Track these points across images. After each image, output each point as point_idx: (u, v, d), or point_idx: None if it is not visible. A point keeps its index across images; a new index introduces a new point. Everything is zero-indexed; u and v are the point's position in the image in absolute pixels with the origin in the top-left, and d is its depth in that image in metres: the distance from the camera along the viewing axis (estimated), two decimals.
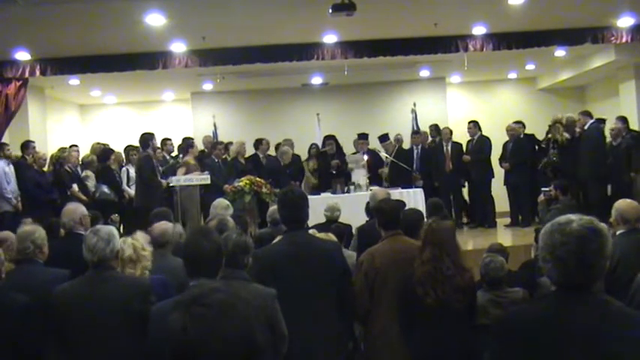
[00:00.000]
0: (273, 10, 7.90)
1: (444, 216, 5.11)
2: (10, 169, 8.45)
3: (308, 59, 9.62)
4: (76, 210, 4.61)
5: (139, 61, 9.43)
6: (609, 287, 3.80)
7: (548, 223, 2.00)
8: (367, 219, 6.04)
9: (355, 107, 13.15)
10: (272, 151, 10.91)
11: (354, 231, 6.12)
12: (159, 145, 9.83)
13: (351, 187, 9.46)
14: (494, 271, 4.19)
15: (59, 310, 3.17)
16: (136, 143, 9.69)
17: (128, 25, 8.07)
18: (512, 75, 13.56)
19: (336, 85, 12.96)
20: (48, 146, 10.46)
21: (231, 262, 3.07)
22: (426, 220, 4.43)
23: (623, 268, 4.10)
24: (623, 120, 9.51)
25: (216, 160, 9.77)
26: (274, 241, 3.99)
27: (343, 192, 9.29)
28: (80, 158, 9.72)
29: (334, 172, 10.41)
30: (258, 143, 10.69)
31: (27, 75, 9.43)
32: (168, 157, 10.20)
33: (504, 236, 9.34)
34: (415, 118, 12.21)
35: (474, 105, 13.61)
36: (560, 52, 10.86)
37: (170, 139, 10.63)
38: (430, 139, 11.24)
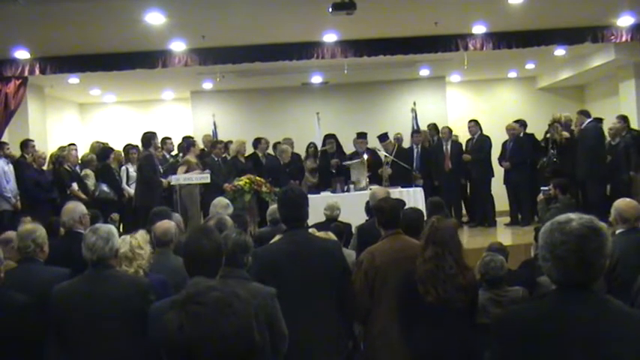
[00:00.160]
0: (273, 8, 7.89)
1: (445, 215, 5.12)
2: (10, 168, 8.44)
3: (308, 58, 9.62)
4: (75, 209, 4.61)
5: (139, 60, 9.43)
6: (608, 286, 3.81)
7: (548, 222, 2.00)
8: (367, 218, 6.04)
9: (355, 106, 13.14)
10: (271, 150, 10.92)
11: (353, 230, 6.13)
12: (159, 144, 9.83)
13: (351, 186, 9.47)
14: (494, 270, 4.19)
15: (59, 308, 3.17)
16: (136, 142, 9.70)
17: (128, 24, 8.06)
18: (512, 74, 13.56)
19: (336, 84, 12.96)
20: (47, 145, 10.46)
21: (231, 261, 3.07)
22: (426, 219, 4.43)
23: (623, 267, 4.10)
24: (624, 119, 9.50)
25: (216, 159, 9.77)
26: (274, 240, 3.99)
27: (343, 191, 9.29)
28: (80, 157, 9.72)
29: (334, 171, 10.42)
30: (257, 142, 10.70)
31: (26, 74, 9.43)
32: (168, 156, 10.21)
33: (504, 235, 9.35)
34: (415, 117, 12.21)
35: (473, 104, 13.62)
36: (560, 52, 10.86)
37: (170, 138, 10.64)
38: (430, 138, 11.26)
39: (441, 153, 10.57)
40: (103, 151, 9.95)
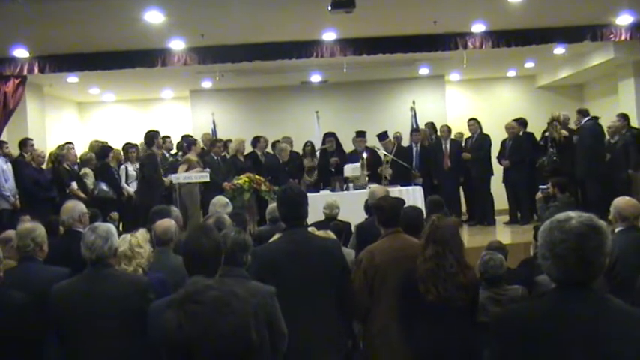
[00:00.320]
0: (272, 7, 7.89)
1: (444, 214, 5.12)
2: (9, 167, 8.43)
3: (307, 57, 9.62)
4: (75, 208, 4.61)
5: (138, 59, 9.43)
6: (609, 285, 3.81)
7: (547, 221, 2.00)
8: (366, 217, 6.04)
9: (354, 105, 13.13)
10: (270, 149, 10.91)
11: (353, 229, 6.12)
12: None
13: (350, 185, 9.46)
14: (493, 269, 4.19)
15: (58, 307, 3.17)
16: (135, 141, 9.69)
17: (127, 23, 8.06)
18: (512, 73, 13.56)
19: (335, 83, 12.95)
20: (47, 144, 10.45)
21: (230, 260, 3.07)
22: (425, 217, 4.43)
23: (622, 265, 4.10)
24: (624, 117, 9.51)
25: (215, 158, 9.77)
26: (273, 239, 3.98)
27: (342, 190, 9.29)
28: (79, 156, 9.71)
29: (333, 169, 10.41)
30: (256, 141, 10.69)
31: (25, 72, 9.43)
32: (167, 155, 10.20)
33: (503, 234, 9.36)
34: (414, 116, 12.19)
35: (473, 103, 13.61)
36: (559, 50, 10.86)
37: (169, 137, 10.64)
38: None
39: (440, 152, 10.58)
40: (102, 150, 9.93)
